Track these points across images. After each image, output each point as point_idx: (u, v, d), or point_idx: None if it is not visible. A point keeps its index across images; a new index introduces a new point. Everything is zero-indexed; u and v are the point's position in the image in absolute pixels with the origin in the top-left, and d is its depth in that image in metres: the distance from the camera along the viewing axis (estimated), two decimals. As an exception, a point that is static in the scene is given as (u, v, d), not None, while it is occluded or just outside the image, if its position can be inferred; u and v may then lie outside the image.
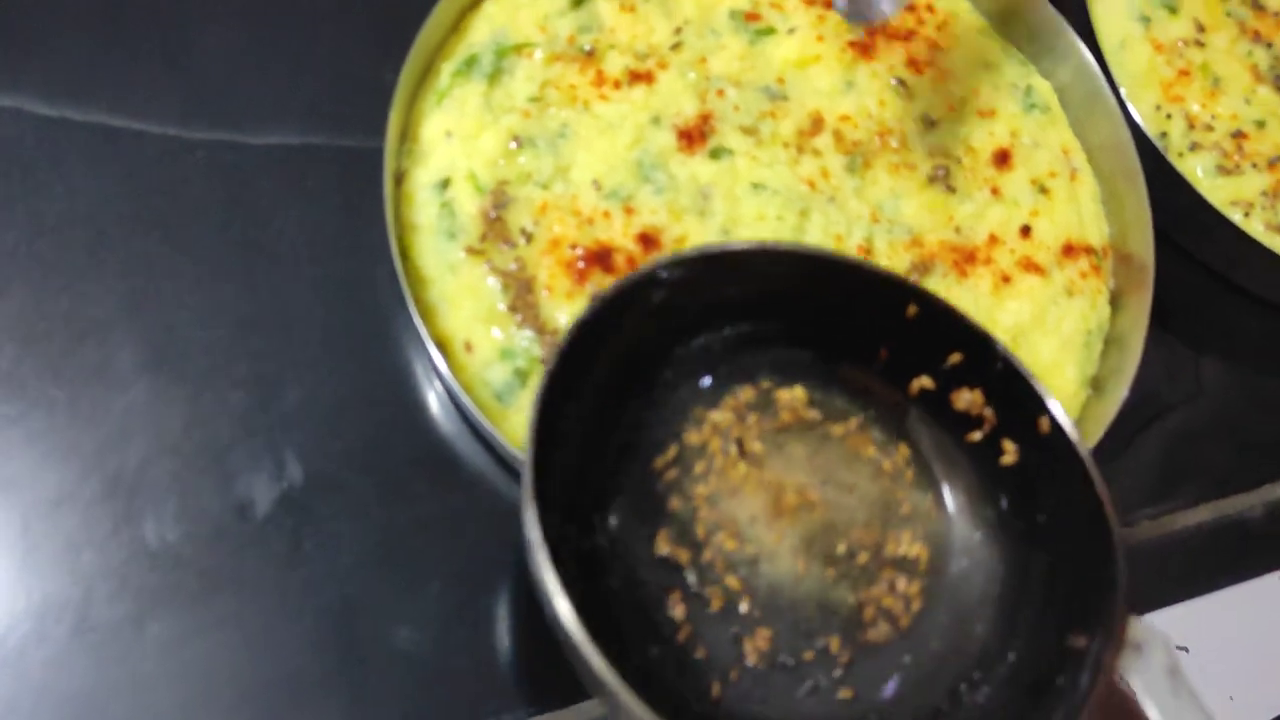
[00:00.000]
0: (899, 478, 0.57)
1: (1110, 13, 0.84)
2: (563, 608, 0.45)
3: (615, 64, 0.74)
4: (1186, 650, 0.73)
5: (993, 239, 0.74)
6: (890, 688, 0.53)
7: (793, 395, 0.57)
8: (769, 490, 0.55)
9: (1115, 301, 0.76)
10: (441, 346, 0.65)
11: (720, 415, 0.56)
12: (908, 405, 0.57)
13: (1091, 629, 0.49)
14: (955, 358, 0.55)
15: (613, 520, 0.53)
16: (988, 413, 0.55)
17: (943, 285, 0.72)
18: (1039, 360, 0.72)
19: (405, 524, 0.66)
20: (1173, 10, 0.85)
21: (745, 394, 0.57)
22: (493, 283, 0.66)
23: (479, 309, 0.66)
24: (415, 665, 0.63)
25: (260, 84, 0.74)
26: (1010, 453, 0.55)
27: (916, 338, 0.56)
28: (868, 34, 0.78)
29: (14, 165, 0.69)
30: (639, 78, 0.73)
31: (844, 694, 0.52)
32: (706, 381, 0.57)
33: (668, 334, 0.56)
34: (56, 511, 0.63)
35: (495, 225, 0.68)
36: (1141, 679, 0.47)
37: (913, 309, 0.55)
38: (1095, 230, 0.77)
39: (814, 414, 0.57)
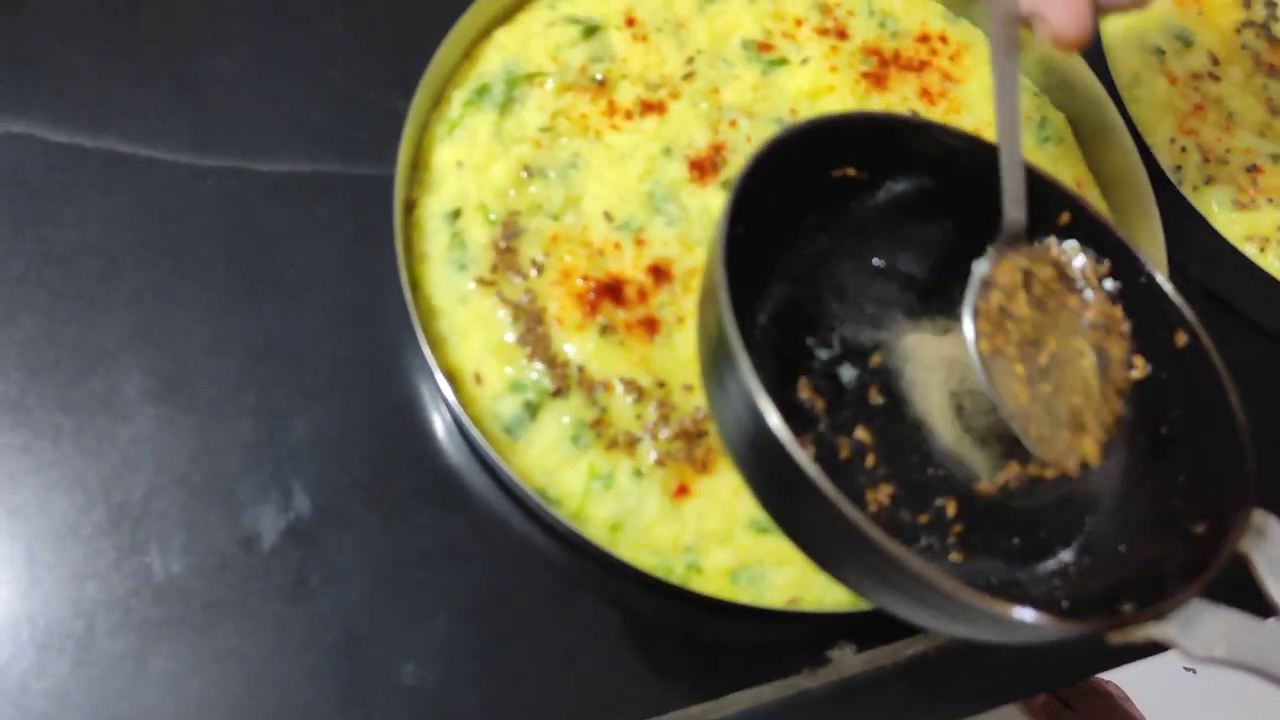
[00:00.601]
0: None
1: (1124, 45, 0.84)
2: (772, 417, 0.46)
3: (627, 94, 0.73)
4: (1194, 671, 0.73)
5: (1006, 272, 0.74)
6: (998, 562, 0.55)
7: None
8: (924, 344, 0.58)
9: (1129, 336, 0.75)
10: (451, 378, 0.64)
11: (903, 260, 0.60)
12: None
13: (1213, 518, 0.51)
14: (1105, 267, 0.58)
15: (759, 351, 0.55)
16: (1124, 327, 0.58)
17: (956, 319, 0.72)
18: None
19: (412, 557, 0.65)
20: (1187, 43, 0.85)
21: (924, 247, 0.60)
22: (503, 314, 0.66)
23: (489, 341, 0.65)
24: (421, 701, 0.62)
25: (271, 111, 0.74)
26: (1139, 368, 0.57)
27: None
28: (880, 64, 0.78)
29: (23, 192, 0.69)
30: (651, 108, 0.73)
31: (955, 557, 0.55)
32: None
33: (834, 196, 0.59)
34: (61, 542, 0.62)
35: (506, 256, 0.68)
36: (1263, 557, 0.50)
37: (1065, 217, 0.57)
38: (1109, 264, 0.76)
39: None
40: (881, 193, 0.60)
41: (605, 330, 0.66)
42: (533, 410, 0.64)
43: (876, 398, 0.58)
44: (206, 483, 0.65)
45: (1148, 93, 0.82)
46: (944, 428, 0.56)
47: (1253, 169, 0.81)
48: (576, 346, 0.66)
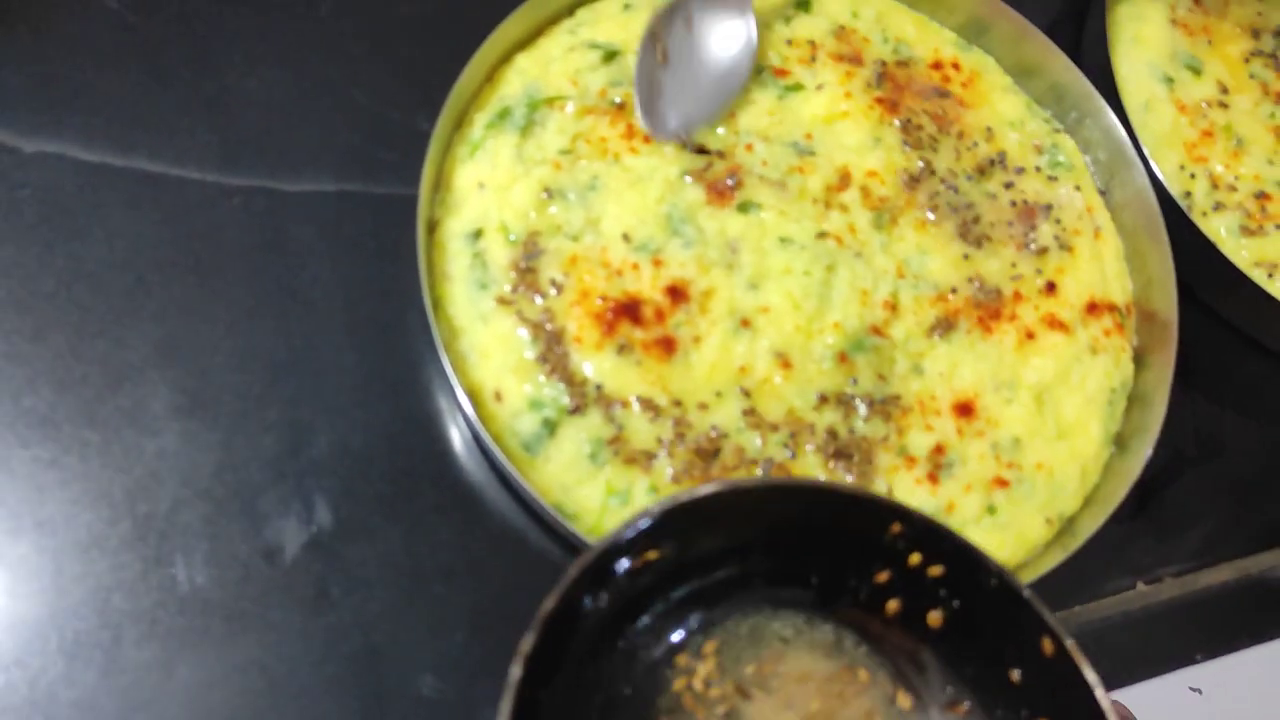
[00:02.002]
0: (891, 705, 0.55)
1: (1134, 73, 0.85)
2: None
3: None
4: (1200, 691, 0.73)
5: (1017, 295, 0.75)
6: None
7: (779, 632, 0.55)
8: None
9: (1139, 359, 0.76)
10: (471, 395, 0.65)
11: (703, 663, 0.54)
12: (908, 617, 0.55)
13: None
14: (936, 570, 0.53)
15: None
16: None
17: (967, 341, 0.73)
18: (1062, 418, 0.72)
19: (431, 571, 0.66)
20: (1197, 72, 0.86)
21: (727, 637, 0.54)
22: (523, 333, 0.67)
23: (509, 359, 0.67)
24: (440, 714, 0.63)
25: (297, 131, 0.76)
26: (1015, 673, 0.52)
27: (904, 552, 0.53)
28: (894, 90, 0.79)
29: (55, 210, 0.70)
30: (669, 131, 0.75)
31: None
32: (690, 625, 0.54)
33: (645, 590, 0.54)
34: (88, 554, 0.63)
35: (526, 276, 0.69)
36: None
37: (897, 526, 0.53)
38: (1119, 288, 0.77)
39: (803, 652, 0.55)
40: (698, 572, 0.55)
41: (623, 349, 0.67)
42: (551, 427, 0.65)
43: None
44: (230, 496, 0.66)
45: (1157, 120, 0.84)
46: None
47: (1261, 196, 0.82)
48: (595, 365, 0.67)
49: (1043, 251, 0.77)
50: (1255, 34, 0.89)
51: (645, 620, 0.54)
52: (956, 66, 0.82)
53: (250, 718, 0.62)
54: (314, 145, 0.75)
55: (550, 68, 0.76)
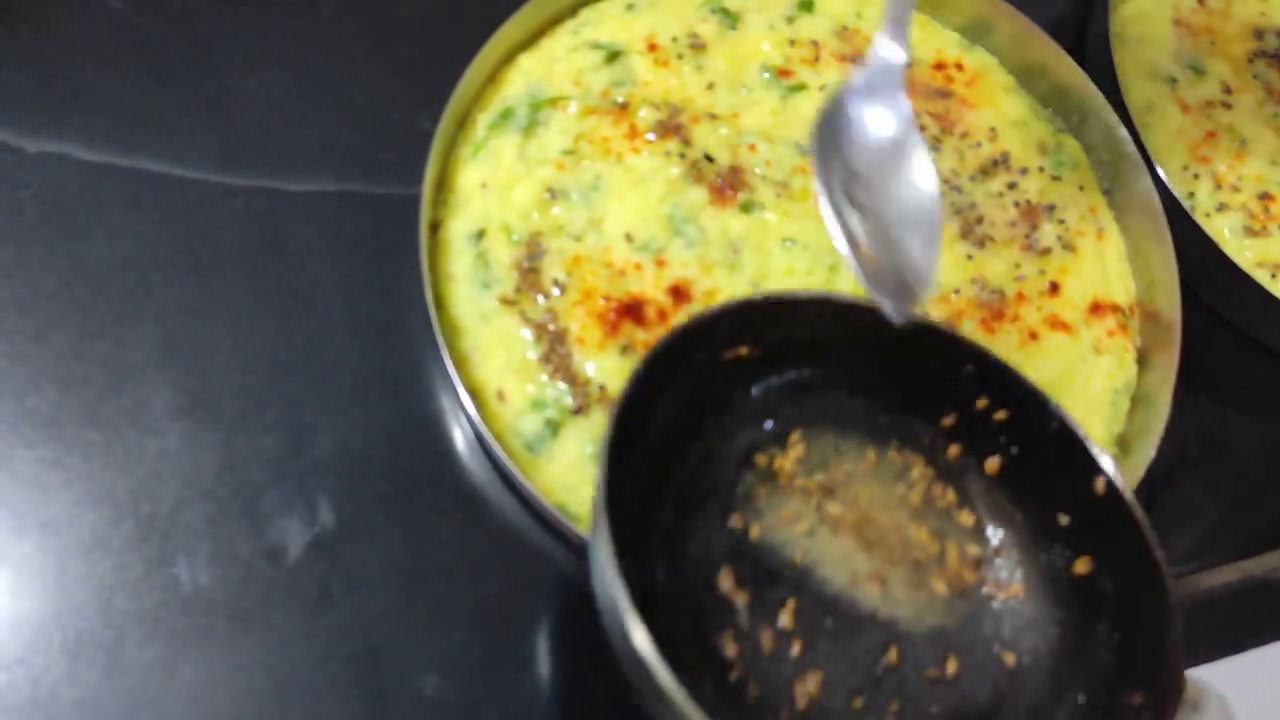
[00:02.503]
0: (957, 525, 0.57)
1: (1138, 73, 0.85)
2: (643, 642, 0.45)
3: (648, 117, 0.75)
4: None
5: (1020, 296, 0.75)
6: None
7: (851, 442, 0.58)
8: (829, 532, 0.55)
9: (1142, 360, 0.76)
10: (474, 395, 0.65)
11: (781, 460, 0.57)
12: (968, 459, 0.58)
13: (1149, 687, 0.50)
14: (1001, 415, 0.57)
15: (670, 558, 0.53)
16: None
17: (970, 341, 0.73)
18: (1066, 418, 0.72)
19: (433, 571, 0.66)
20: (1200, 72, 0.86)
21: (804, 439, 0.58)
22: (525, 333, 0.67)
23: (511, 359, 0.67)
24: (442, 714, 0.63)
25: (299, 132, 0.75)
26: (1064, 517, 0.56)
27: (972, 394, 0.57)
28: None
29: (56, 210, 0.70)
30: (671, 131, 0.74)
31: None
32: (768, 425, 0.58)
33: (727, 379, 0.57)
34: (90, 554, 0.63)
35: (528, 276, 0.69)
36: None
37: (969, 366, 0.56)
38: (1122, 289, 0.77)
39: (873, 459, 0.58)
40: (779, 369, 0.58)
41: (626, 350, 0.67)
42: (554, 428, 0.65)
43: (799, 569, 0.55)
44: (232, 496, 0.66)
45: (1161, 121, 0.83)
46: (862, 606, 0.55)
47: (1265, 196, 0.82)
48: (597, 365, 0.67)
49: (1046, 252, 0.76)
50: (1259, 34, 0.89)
51: (726, 420, 0.57)
52: (959, 67, 0.82)
53: (253, 718, 0.62)
54: (315, 145, 0.75)
55: (553, 68, 0.76)
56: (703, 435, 0.56)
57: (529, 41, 0.77)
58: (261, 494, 0.66)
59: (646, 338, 0.68)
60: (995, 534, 0.57)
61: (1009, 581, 0.56)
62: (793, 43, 0.80)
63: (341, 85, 0.77)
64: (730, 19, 0.80)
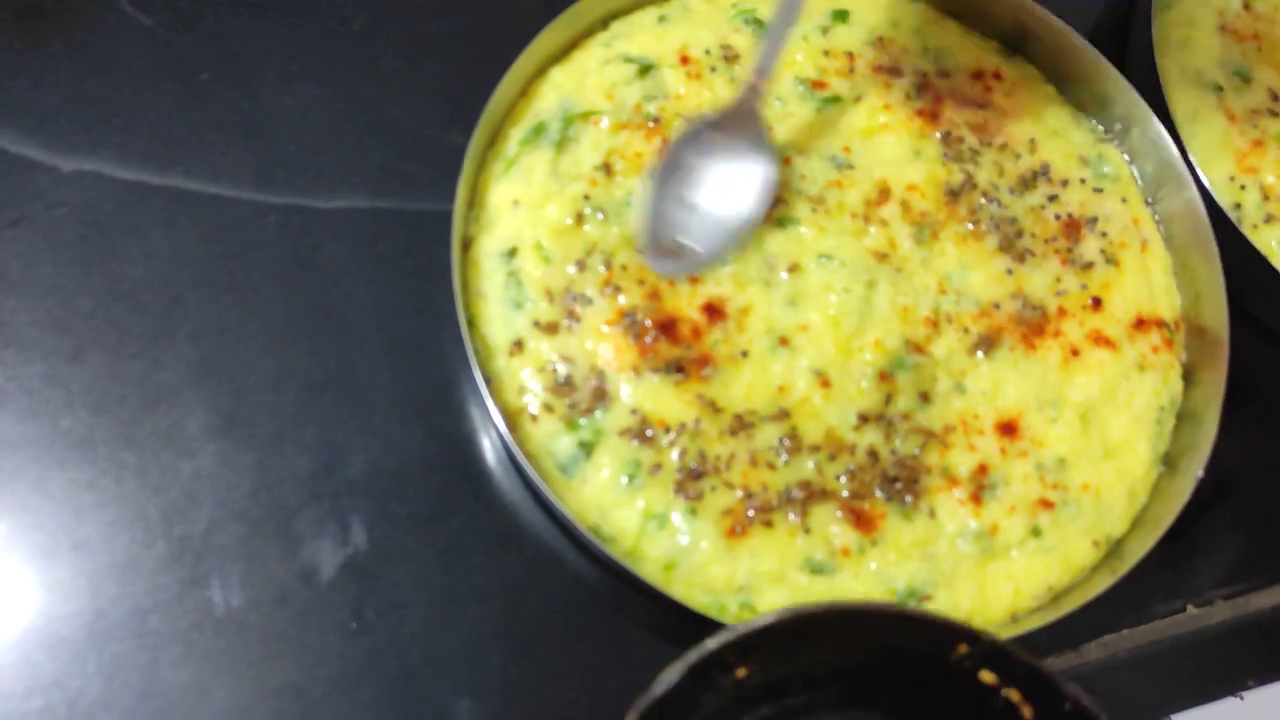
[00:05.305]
0: None
1: (1182, 81, 0.83)
2: None
3: (681, 132, 0.74)
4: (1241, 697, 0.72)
5: (1062, 311, 0.73)
6: None
7: None
8: None
9: (1188, 376, 0.74)
10: (507, 416, 0.65)
11: None
12: None
13: None
14: (1013, 694, 0.53)
15: None
16: None
17: (1010, 359, 0.71)
18: (1109, 437, 0.71)
19: (467, 593, 0.66)
20: (1246, 79, 0.84)
21: None
22: (558, 354, 0.66)
23: (544, 379, 0.66)
24: (476, 738, 0.63)
25: (331, 148, 0.75)
26: None
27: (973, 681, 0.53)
28: (934, 101, 0.78)
29: (93, 229, 0.70)
30: (705, 146, 0.74)
31: None
32: None
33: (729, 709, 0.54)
34: (124, 576, 0.63)
35: (560, 297, 0.68)
36: None
37: (963, 648, 0.52)
38: (1167, 303, 0.76)
39: None
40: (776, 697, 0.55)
41: (659, 369, 0.66)
42: (588, 449, 0.65)
43: None
44: (266, 517, 0.66)
45: (1206, 130, 0.82)
46: None
47: (1313, 206, 0.80)
48: (631, 386, 0.66)
49: (1088, 266, 0.75)
50: (1307, 40, 0.87)
51: None
52: (998, 76, 0.81)
53: (286, 741, 0.62)
54: (348, 162, 0.75)
55: (585, 81, 0.75)
56: None
57: (561, 55, 0.76)
58: (295, 515, 0.66)
59: (680, 356, 0.67)
60: None
61: None
62: (827, 54, 0.78)
63: (374, 101, 0.77)
64: (763, 29, 0.79)
